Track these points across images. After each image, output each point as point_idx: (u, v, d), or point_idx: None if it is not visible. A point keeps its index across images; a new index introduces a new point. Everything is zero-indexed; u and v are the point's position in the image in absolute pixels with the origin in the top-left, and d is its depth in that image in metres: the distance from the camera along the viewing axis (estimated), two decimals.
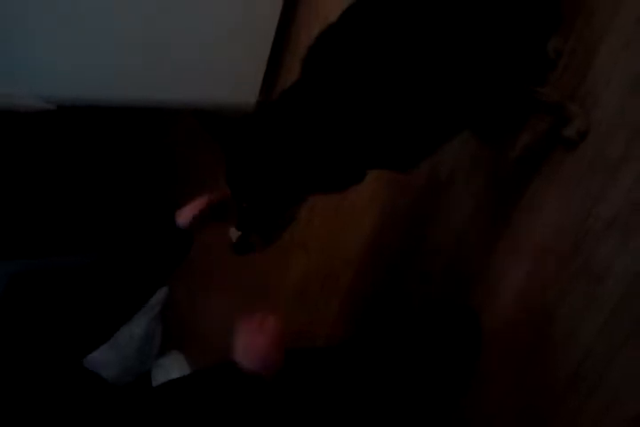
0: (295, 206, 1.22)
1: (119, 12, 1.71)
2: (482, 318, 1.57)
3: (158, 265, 1.23)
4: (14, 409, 1.00)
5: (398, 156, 1.23)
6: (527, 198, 1.48)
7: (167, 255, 1.23)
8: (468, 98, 1.19)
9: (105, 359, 2.63)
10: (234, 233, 1.23)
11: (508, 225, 1.52)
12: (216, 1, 1.87)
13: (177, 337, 2.86)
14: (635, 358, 1.27)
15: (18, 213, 2.74)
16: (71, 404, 1.06)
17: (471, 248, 1.62)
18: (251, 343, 1.12)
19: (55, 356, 1.09)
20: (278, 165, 1.13)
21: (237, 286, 2.47)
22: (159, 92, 1.93)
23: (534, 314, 1.46)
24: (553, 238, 1.43)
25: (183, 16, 1.83)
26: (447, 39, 1.12)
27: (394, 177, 1.76)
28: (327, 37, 1.18)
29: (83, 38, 1.69)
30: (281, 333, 1.12)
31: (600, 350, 1.33)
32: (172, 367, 2.74)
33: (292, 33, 2.09)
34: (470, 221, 1.62)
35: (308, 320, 2.14)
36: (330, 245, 2.04)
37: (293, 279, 2.18)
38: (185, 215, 1.22)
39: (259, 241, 1.21)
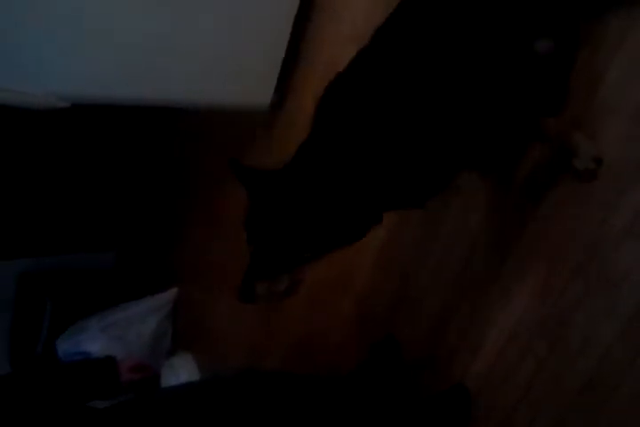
0: (303, 266, 1.20)
1: (133, 12, 1.71)
2: (497, 319, 1.57)
3: None
4: None
5: (413, 197, 1.24)
6: (543, 206, 1.47)
7: None
8: (478, 136, 1.20)
9: None
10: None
11: (523, 231, 1.51)
12: (231, 2, 1.87)
13: (187, 337, 2.86)
14: None
15: (27, 210, 2.76)
16: None
17: (486, 253, 1.61)
18: None
19: None
20: (295, 212, 1.13)
21: None
22: (173, 92, 1.92)
23: (549, 320, 1.45)
24: (568, 245, 1.41)
25: (197, 16, 1.83)
26: (458, 83, 1.12)
27: None
28: (337, 87, 1.21)
29: (97, 37, 1.68)
30: None
31: (616, 358, 1.31)
32: (181, 367, 2.74)
33: (306, 34, 2.08)
34: (485, 227, 1.61)
35: (321, 323, 2.13)
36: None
37: (306, 282, 2.17)
38: None
39: (261, 293, 1.16)
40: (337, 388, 1.64)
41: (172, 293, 2.85)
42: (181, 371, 2.70)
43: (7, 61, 1.57)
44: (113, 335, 2.64)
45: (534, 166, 1.48)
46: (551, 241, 1.45)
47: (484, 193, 1.60)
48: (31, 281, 2.86)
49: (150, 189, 3.00)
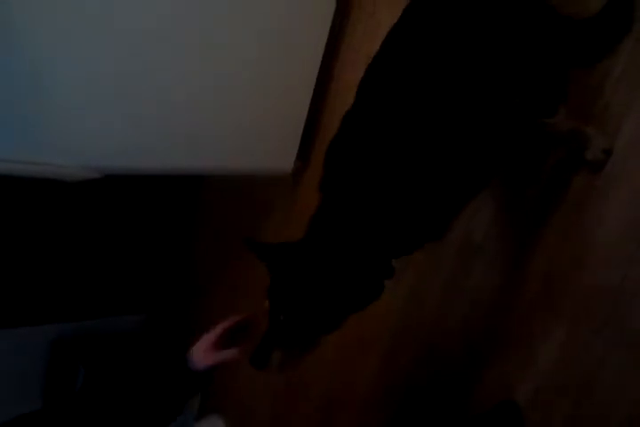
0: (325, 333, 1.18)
1: (162, 83, 1.78)
2: (525, 376, 1.55)
3: (167, 408, 1.23)
4: None
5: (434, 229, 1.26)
6: (562, 263, 1.48)
7: (178, 399, 1.23)
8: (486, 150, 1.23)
9: None
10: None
11: (546, 288, 1.51)
12: (254, 68, 1.93)
13: (216, 401, 2.84)
14: None
15: (59, 275, 2.82)
16: None
17: (510, 311, 1.60)
18: None
19: None
20: (313, 283, 1.13)
21: None
22: (200, 160, 1.98)
23: (573, 381, 1.43)
24: (589, 301, 1.41)
25: (224, 86, 1.90)
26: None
27: None
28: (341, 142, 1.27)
29: (125, 110, 1.75)
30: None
31: None
32: None
33: (327, 102, 2.16)
34: (507, 286, 1.62)
35: (347, 380, 2.13)
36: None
37: (329, 352, 2.17)
38: (197, 354, 1.23)
39: (278, 360, 1.14)
40: None
41: None
42: None
43: (39, 135, 1.62)
44: None
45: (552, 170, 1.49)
46: (573, 298, 1.45)
47: (503, 252, 1.62)
48: (63, 348, 2.88)
49: (178, 252, 3.06)
